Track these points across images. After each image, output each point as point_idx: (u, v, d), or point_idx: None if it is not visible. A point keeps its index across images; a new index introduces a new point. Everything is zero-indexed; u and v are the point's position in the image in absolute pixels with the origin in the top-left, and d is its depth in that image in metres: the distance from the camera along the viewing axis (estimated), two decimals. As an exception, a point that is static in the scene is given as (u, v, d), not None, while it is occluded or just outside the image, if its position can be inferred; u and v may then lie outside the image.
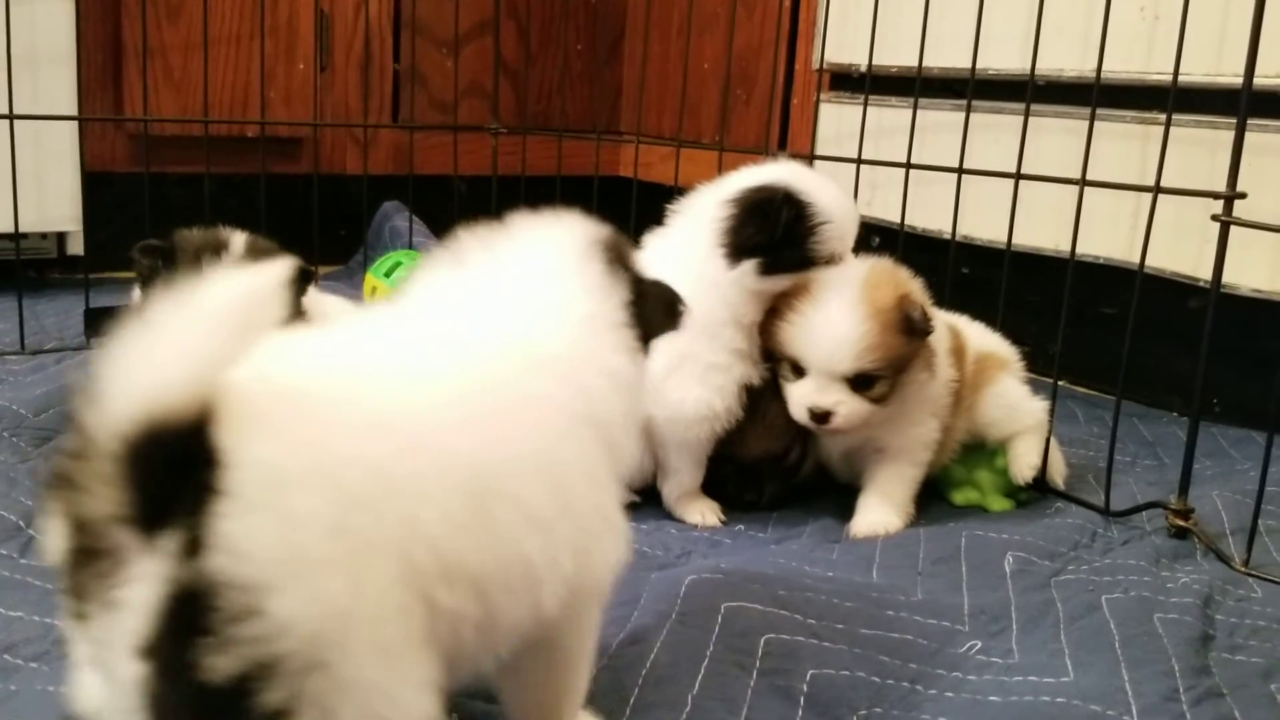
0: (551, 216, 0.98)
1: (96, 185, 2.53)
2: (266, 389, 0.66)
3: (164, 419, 0.59)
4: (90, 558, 0.63)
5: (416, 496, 0.68)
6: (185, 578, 0.59)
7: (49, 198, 2.44)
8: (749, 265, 1.47)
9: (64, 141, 2.40)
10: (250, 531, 0.60)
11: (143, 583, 0.60)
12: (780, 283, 1.49)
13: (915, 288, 1.53)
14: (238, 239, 1.52)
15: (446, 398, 0.75)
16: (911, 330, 1.46)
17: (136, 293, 1.57)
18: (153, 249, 1.50)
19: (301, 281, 1.60)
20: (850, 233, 1.55)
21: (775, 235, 1.46)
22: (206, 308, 0.63)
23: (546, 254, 0.93)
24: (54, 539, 0.67)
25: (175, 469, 0.60)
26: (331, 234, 2.77)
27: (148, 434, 0.59)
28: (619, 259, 0.96)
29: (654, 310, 0.96)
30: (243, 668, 0.59)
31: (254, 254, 1.52)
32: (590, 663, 0.93)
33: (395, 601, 0.66)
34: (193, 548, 0.59)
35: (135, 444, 0.59)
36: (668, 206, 1.60)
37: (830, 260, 1.50)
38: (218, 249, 1.50)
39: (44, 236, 2.61)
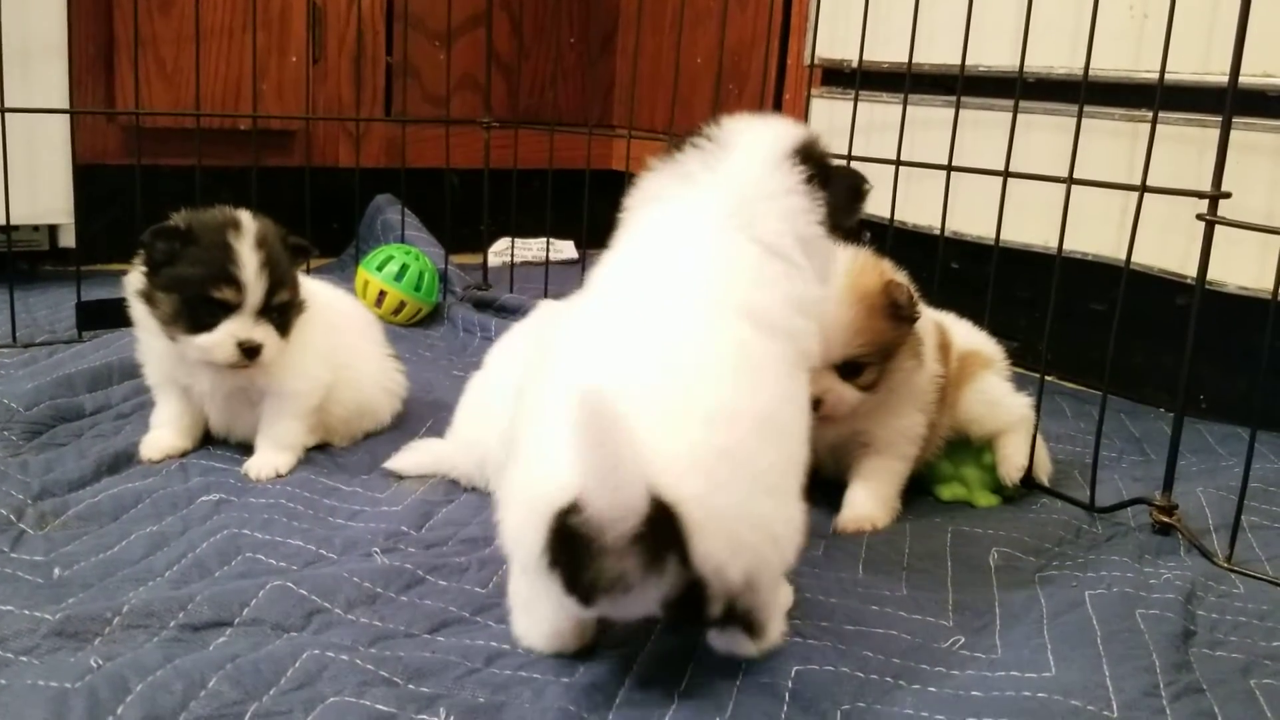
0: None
1: (88, 178, 2.54)
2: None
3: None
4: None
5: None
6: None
7: (40, 190, 2.44)
8: None
9: (55, 134, 2.40)
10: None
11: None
12: None
13: (900, 278, 1.53)
14: (248, 221, 1.52)
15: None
16: (898, 315, 1.47)
17: (136, 279, 1.55)
18: (170, 232, 1.49)
19: (299, 256, 1.60)
20: None
21: None
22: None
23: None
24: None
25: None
26: (324, 227, 2.77)
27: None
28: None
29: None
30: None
31: (263, 240, 1.52)
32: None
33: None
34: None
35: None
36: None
37: None
38: (235, 230, 1.51)
39: (35, 229, 2.61)
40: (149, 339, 1.58)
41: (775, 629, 1.14)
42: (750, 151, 1.20)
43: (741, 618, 1.07)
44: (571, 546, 0.96)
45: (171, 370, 1.58)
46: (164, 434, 1.60)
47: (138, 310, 1.55)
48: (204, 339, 1.50)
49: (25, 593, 1.19)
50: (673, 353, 1.07)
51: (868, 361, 1.47)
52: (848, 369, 1.47)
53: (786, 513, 1.07)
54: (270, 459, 1.56)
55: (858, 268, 1.47)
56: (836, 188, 1.22)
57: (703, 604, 1.00)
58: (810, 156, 1.21)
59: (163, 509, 1.43)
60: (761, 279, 1.14)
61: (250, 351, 1.51)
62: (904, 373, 1.52)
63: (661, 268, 1.15)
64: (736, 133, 1.22)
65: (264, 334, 1.52)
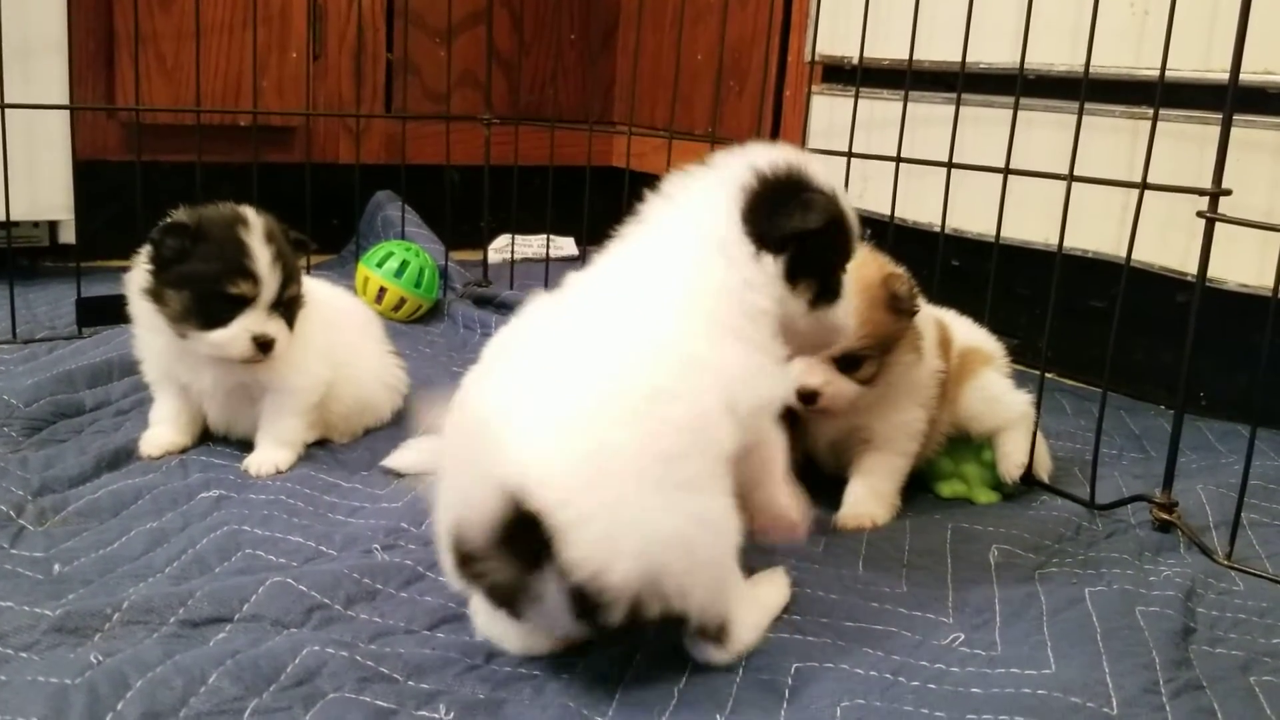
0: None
1: (88, 174, 2.53)
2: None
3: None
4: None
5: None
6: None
7: (41, 186, 2.44)
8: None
9: (56, 130, 2.39)
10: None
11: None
12: None
13: (895, 268, 1.54)
14: (254, 216, 1.52)
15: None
16: (898, 308, 1.47)
17: (140, 277, 1.54)
18: (180, 228, 1.49)
19: (299, 250, 1.60)
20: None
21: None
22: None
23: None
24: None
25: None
26: (324, 223, 2.77)
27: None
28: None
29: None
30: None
31: (271, 234, 1.52)
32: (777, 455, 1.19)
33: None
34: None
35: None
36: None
37: None
38: (244, 225, 1.51)
39: (36, 225, 2.61)
40: (148, 336, 1.58)
41: (744, 634, 1.12)
42: (694, 223, 1.16)
43: (697, 624, 1.05)
44: (463, 560, 1.01)
45: (171, 367, 1.58)
46: (163, 430, 1.60)
47: (140, 308, 1.55)
48: (218, 334, 1.50)
49: (25, 589, 1.19)
50: (562, 353, 1.05)
51: (867, 354, 1.47)
52: (846, 362, 1.47)
53: (694, 510, 1.02)
54: (270, 456, 1.56)
55: (857, 260, 1.47)
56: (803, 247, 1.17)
57: (599, 610, 0.98)
58: (761, 210, 1.16)
59: (163, 505, 1.43)
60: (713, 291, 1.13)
61: (265, 345, 1.51)
62: (903, 366, 1.52)
63: (601, 279, 1.16)
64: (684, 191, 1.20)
65: (276, 328, 1.53)
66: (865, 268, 1.46)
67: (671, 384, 1.04)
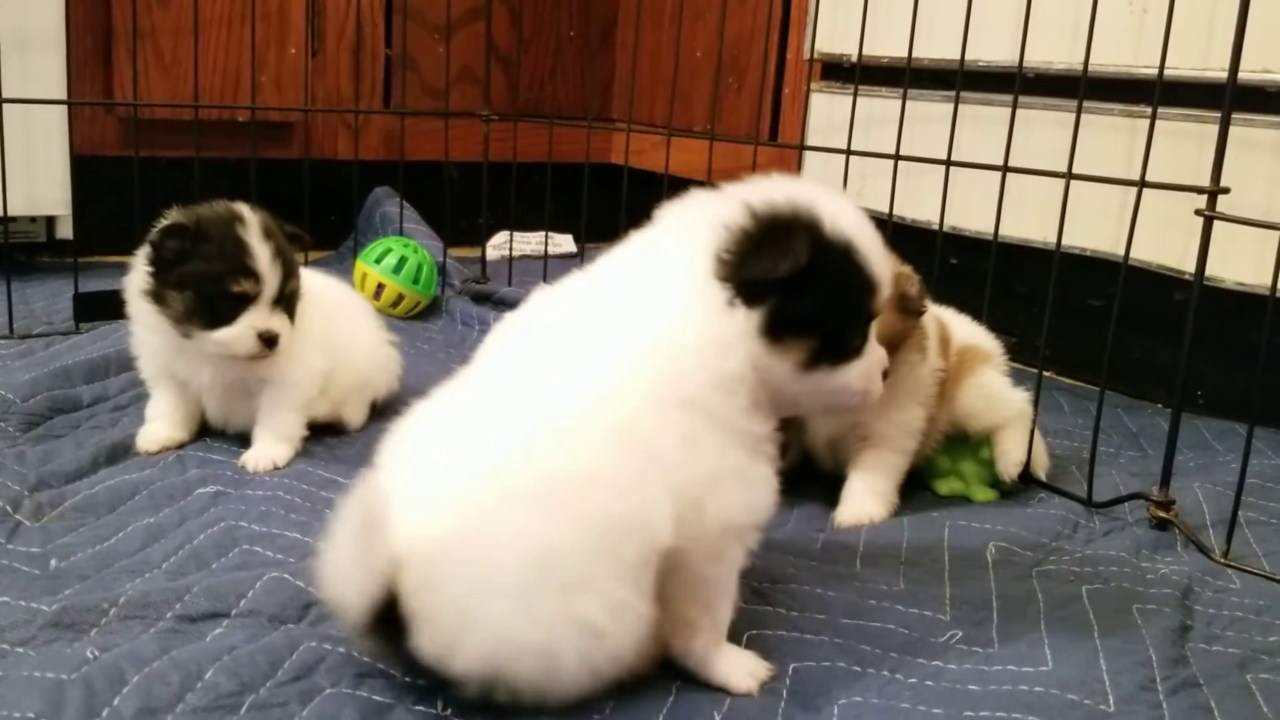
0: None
1: (86, 169, 2.53)
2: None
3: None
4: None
5: None
6: None
7: (38, 182, 2.43)
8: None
9: (53, 125, 2.39)
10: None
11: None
12: None
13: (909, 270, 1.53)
14: (249, 214, 1.52)
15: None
16: (907, 308, 1.46)
17: (139, 279, 1.54)
18: (179, 229, 1.49)
19: (295, 244, 1.60)
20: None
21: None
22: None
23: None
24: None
25: None
26: (322, 219, 2.77)
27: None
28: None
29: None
30: None
31: (269, 230, 1.53)
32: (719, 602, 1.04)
33: None
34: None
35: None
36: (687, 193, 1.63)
37: None
38: (241, 223, 1.51)
39: (33, 220, 2.61)
40: (145, 333, 1.58)
41: None
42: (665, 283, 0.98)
43: None
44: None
45: (169, 363, 1.58)
46: (160, 426, 1.60)
47: (140, 308, 1.55)
48: (223, 333, 1.50)
49: (22, 584, 1.19)
50: (469, 420, 0.97)
51: None
52: None
53: (578, 616, 0.91)
54: (268, 451, 1.56)
55: None
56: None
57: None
58: (738, 253, 0.96)
59: (160, 501, 1.42)
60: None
61: (269, 341, 1.52)
62: (908, 366, 1.52)
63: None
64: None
65: (279, 323, 1.53)
66: None
67: (577, 467, 0.91)
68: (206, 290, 1.49)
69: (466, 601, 0.91)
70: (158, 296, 1.51)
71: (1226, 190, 1.45)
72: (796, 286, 0.95)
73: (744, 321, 0.95)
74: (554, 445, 0.92)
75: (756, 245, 0.95)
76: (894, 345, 1.48)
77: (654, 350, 0.95)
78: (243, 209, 1.53)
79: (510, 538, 0.91)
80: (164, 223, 1.51)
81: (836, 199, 1.01)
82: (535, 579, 0.91)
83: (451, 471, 0.94)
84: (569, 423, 0.93)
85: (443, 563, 0.91)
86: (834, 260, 0.97)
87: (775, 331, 0.96)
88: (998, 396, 1.64)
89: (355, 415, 1.76)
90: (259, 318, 1.51)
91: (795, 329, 0.97)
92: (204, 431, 1.65)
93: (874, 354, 1.05)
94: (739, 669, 1.06)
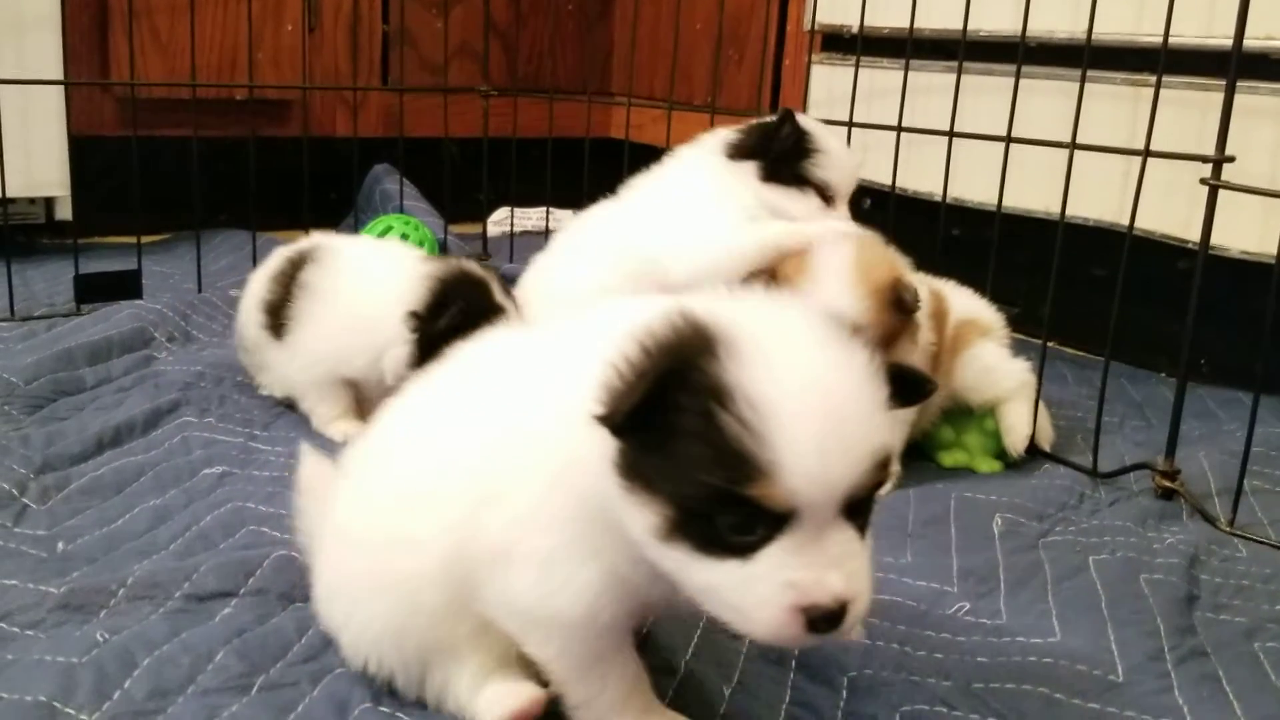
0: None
1: (84, 149, 2.51)
2: None
3: None
4: None
5: None
6: None
7: (36, 163, 2.42)
8: (751, 166, 1.66)
9: (50, 106, 2.38)
10: None
11: None
12: (778, 196, 1.63)
13: (897, 257, 1.55)
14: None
15: None
16: (903, 309, 1.48)
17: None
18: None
19: None
20: (847, 172, 1.65)
21: (775, 147, 1.64)
22: None
23: None
24: None
25: None
26: (321, 197, 2.75)
27: None
28: None
29: None
30: None
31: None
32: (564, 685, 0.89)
33: None
34: None
35: None
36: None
37: (823, 188, 1.64)
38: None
39: (32, 202, 2.60)
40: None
41: None
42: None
43: None
44: None
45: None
46: (345, 423, 1.66)
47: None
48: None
49: (30, 567, 1.19)
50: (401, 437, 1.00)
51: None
52: None
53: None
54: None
55: (867, 261, 1.49)
56: None
57: None
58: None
59: (165, 482, 1.42)
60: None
61: None
62: (901, 351, 1.53)
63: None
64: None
65: None
66: (876, 270, 1.48)
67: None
68: None
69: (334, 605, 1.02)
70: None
71: (1232, 159, 1.45)
72: (647, 431, 0.75)
73: (604, 445, 0.77)
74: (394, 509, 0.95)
75: (620, 380, 0.75)
76: (889, 343, 1.49)
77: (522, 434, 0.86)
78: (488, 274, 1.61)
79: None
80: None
81: (810, 332, 0.77)
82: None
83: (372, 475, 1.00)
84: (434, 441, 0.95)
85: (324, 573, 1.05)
86: (696, 415, 0.73)
87: (627, 475, 0.77)
88: (996, 369, 1.65)
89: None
90: None
91: (644, 481, 0.76)
92: (206, 411, 1.65)
93: (799, 571, 0.77)
94: None
